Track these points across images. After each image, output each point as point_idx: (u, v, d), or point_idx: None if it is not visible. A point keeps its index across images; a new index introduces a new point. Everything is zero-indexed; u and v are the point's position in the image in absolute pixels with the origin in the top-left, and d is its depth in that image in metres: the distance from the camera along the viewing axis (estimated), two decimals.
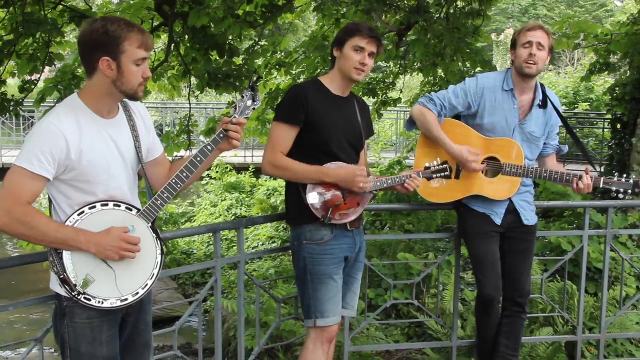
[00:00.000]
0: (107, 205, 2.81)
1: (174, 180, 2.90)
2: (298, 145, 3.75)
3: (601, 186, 4.15)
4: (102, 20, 2.76)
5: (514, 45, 4.21)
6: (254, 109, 3.11)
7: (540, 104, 4.27)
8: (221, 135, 3.01)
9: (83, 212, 2.76)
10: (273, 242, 12.75)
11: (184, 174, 2.92)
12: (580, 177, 4.12)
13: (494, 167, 4.24)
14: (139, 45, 2.75)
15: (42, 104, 8.40)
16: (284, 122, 3.73)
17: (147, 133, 3.09)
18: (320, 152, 3.75)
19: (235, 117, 3.04)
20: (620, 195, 4.14)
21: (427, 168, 4.04)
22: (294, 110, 3.70)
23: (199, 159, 2.95)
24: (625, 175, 4.15)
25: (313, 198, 3.72)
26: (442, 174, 4.02)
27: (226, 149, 3.11)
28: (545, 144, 4.39)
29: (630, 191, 4.11)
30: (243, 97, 3.10)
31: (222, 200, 15.57)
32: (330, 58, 3.95)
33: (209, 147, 2.98)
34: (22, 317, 10.24)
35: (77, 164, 2.73)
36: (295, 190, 3.77)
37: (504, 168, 4.21)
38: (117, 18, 2.80)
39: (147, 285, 2.87)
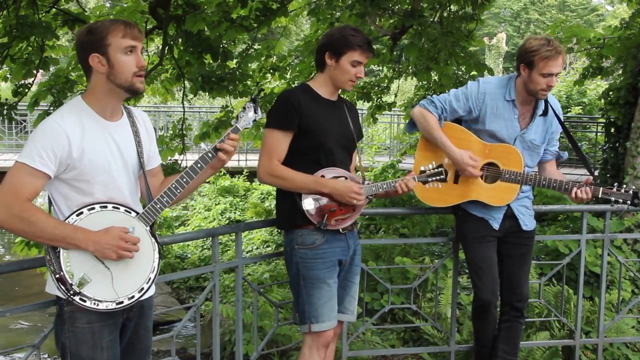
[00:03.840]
0: (105, 207, 2.80)
1: (173, 185, 2.90)
2: (292, 148, 3.73)
3: (600, 196, 4.13)
4: (87, 24, 2.85)
5: (529, 65, 4.00)
6: (254, 120, 3.13)
7: (542, 112, 4.23)
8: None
9: (81, 212, 2.75)
10: (267, 246, 12.70)
11: (184, 179, 2.92)
12: (580, 187, 4.10)
13: (493, 173, 4.22)
14: (123, 35, 2.77)
15: (35, 108, 8.38)
16: (278, 128, 3.71)
17: (149, 141, 3.10)
18: (315, 155, 3.74)
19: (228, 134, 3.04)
20: (619, 206, 4.14)
21: (422, 172, 4.03)
22: (286, 115, 3.68)
23: (199, 165, 2.96)
24: (624, 186, 4.13)
25: (308, 204, 3.71)
26: (437, 177, 4.01)
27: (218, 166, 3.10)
28: (545, 150, 4.36)
29: (629, 201, 4.09)
30: (245, 108, 3.11)
31: (215, 204, 15.53)
32: (315, 59, 3.91)
33: (210, 155, 2.99)
34: (17, 322, 10.18)
35: (78, 163, 2.74)
36: (287, 195, 3.75)
37: (503, 174, 4.18)
38: (103, 20, 2.85)
39: (143, 288, 2.85)
